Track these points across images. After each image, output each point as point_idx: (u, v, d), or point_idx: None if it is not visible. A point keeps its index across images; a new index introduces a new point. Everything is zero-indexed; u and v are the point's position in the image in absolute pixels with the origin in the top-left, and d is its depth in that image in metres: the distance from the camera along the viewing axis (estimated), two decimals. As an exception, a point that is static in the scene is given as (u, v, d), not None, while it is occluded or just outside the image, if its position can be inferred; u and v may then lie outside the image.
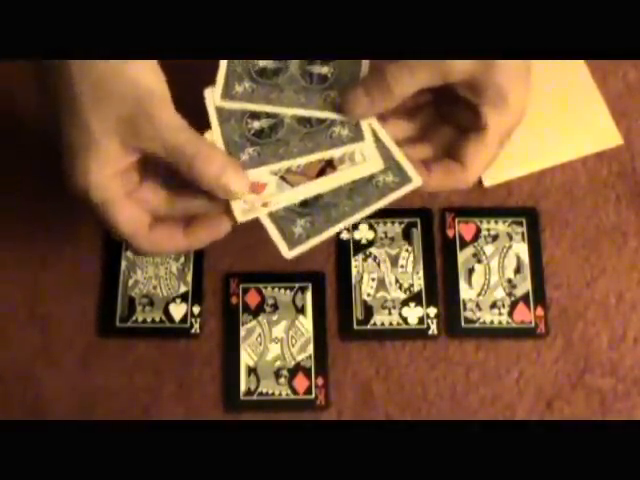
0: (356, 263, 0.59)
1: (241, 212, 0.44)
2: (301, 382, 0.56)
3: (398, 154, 0.45)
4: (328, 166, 0.45)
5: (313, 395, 0.56)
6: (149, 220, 0.44)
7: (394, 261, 0.58)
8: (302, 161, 0.45)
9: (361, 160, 0.45)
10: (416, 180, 0.45)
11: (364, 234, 0.59)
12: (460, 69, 0.42)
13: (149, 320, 0.57)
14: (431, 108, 0.48)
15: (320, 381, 0.56)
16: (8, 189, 0.61)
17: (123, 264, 0.59)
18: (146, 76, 0.41)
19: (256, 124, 0.46)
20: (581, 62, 0.63)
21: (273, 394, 0.56)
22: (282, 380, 0.56)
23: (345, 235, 0.59)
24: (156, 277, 0.58)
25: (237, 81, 0.46)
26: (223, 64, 0.46)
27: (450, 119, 0.47)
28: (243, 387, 0.56)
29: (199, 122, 0.44)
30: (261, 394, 0.56)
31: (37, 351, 0.57)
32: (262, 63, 0.47)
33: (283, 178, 0.45)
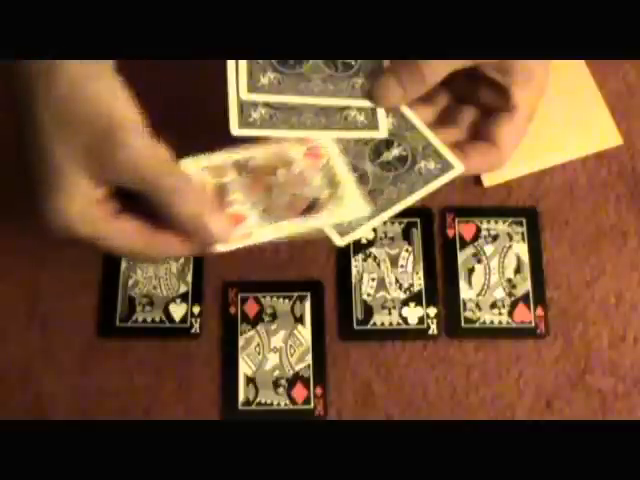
0: (356, 263, 0.58)
1: None
2: (300, 392, 0.56)
3: (436, 141, 0.44)
4: (315, 205, 0.43)
5: (312, 405, 0.55)
6: (145, 227, 0.41)
7: (394, 261, 0.58)
8: (315, 135, 0.44)
9: (345, 204, 0.43)
10: (458, 167, 0.44)
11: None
12: None
13: (149, 320, 0.57)
14: (447, 91, 0.47)
15: (319, 391, 0.56)
16: (7, 188, 0.61)
17: (123, 264, 0.58)
18: (114, 100, 0.38)
19: None
20: (581, 62, 0.63)
21: (272, 404, 0.56)
22: (281, 390, 0.56)
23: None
24: (156, 277, 0.58)
25: (261, 73, 0.44)
26: None
27: (470, 100, 0.46)
28: (242, 397, 0.56)
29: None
30: (260, 404, 0.55)
31: (37, 351, 0.57)
32: None
33: (265, 211, 0.43)
